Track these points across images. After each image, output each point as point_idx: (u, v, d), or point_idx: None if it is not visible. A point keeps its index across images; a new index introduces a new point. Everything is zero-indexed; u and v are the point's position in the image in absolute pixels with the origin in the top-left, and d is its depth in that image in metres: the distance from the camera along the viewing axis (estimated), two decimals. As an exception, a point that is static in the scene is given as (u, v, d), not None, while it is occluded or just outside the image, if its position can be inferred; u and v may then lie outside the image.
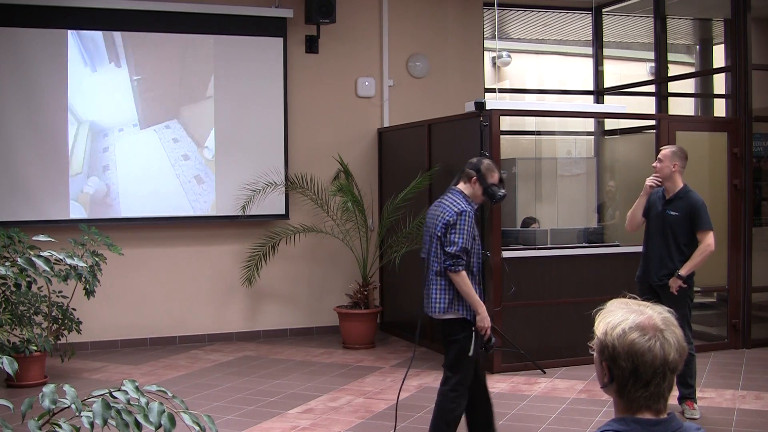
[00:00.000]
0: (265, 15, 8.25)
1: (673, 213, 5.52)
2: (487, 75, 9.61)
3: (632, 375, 1.84)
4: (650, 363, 1.83)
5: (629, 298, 1.97)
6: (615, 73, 10.04)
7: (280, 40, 8.32)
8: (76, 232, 7.07)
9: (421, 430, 5.26)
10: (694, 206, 5.48)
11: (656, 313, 1.89)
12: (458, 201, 4.45)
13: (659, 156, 5.62)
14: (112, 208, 7.83)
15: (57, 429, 2.37)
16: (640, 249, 5.82)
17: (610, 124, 9.09)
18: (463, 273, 4.36)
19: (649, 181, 5.62)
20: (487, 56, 9.64)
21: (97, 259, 6.66)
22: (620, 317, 1.88)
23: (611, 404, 1.98)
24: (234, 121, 8.20)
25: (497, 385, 6.38)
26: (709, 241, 5.45)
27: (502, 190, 4.50)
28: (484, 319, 4.39)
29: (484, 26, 9.33)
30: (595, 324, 1.92)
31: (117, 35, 7.85)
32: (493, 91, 9.43)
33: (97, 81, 7.80)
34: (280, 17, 8.30)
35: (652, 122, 7.99)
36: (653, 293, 5.60)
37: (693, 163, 5.75)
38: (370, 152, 8.80)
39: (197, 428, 2.46)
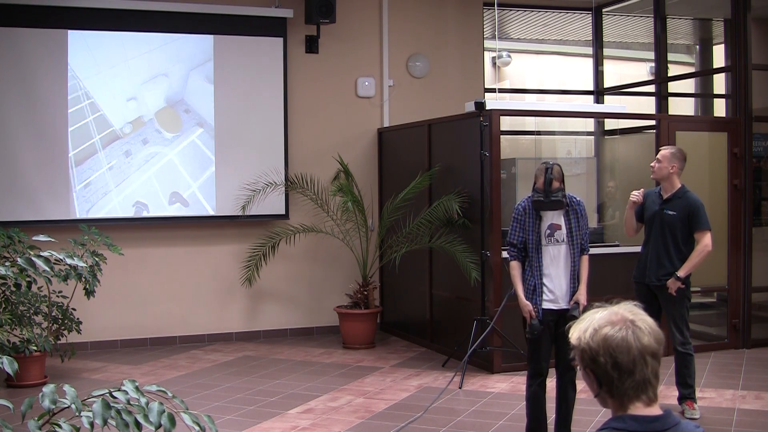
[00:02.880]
0: (265, 15, 8.26)
1: (670, 212, 5.52)
2: (487, 75, 9.61)
3: (614, 368, 1.87)
4: (627, 351, 1.86)
5: (614, 303, 2.00)
6: (615, 73, 10.04)
7: (280, 40, 8.32)
8: (76, 232, 7.07)
9: (421, 430, 5.26)
10: (694, 206, 5.48)
11: (622, 308, 1.94)
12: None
13: (658, 156, 5.62)
14: (112, 208, 7.83)
15: (57, 429, 2.37)
16: (640, 249, 5.82)
17: (610, 124, 9.08)
18: (512, 263, 4.80)
19: (633, 197, 5.69)
20: (487, 56, 9.64)
21: (97, 259, 6.66)
22: (588, 321, 1.95)
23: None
24: (234, 121, 8.19)
25: (497, 385, 6.39)
26: (706, 241, 5.46)
27: (536, 194, 4.72)
28: (521, 308, 4.74)
29: (484, 26, 9.33)
30: (570, 337, 1.97)
31: (117, 35, 7.85)
32: (493, 91, 9.43)
33: (97, 81, 7.81)
34: (280, 17, 8.31)
35: (652, 122, 7.99)
36: (650, 294, 5.60)
37: (693, 163, 5.76)
38: (370, 152, 8.81)
39: (197, 428, 2.46)
